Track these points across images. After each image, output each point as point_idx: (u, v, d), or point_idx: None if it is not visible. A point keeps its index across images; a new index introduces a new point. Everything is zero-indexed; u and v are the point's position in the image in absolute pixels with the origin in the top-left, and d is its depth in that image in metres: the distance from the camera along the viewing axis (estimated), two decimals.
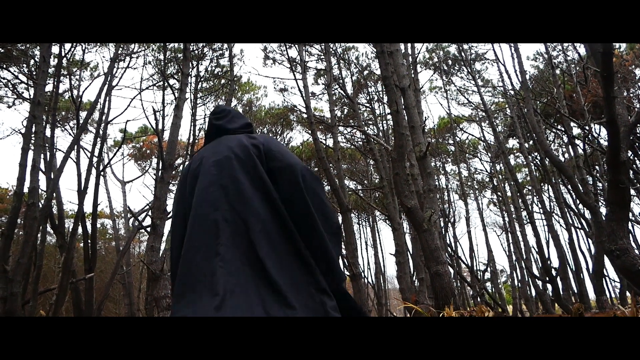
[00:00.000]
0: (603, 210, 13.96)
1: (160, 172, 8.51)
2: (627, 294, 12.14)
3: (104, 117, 13.73)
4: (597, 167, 15.83)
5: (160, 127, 13.78)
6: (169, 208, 13.27)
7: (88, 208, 15.17)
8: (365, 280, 22.86)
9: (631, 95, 14.59)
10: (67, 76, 13.48)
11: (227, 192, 1.78)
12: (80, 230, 11.87)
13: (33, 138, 8.00)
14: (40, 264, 9.52)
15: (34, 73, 12.23)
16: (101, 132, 13.67)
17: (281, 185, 1.83)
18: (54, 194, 10.62)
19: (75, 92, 14.31)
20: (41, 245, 9.43)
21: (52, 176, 11.07)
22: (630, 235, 12.79)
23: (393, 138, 11.52)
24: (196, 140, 15.63)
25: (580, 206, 15.90)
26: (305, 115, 13.87)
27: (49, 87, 11.51)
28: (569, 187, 13.46)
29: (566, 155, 18.30)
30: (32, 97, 9.69)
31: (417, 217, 6.69)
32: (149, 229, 10.53)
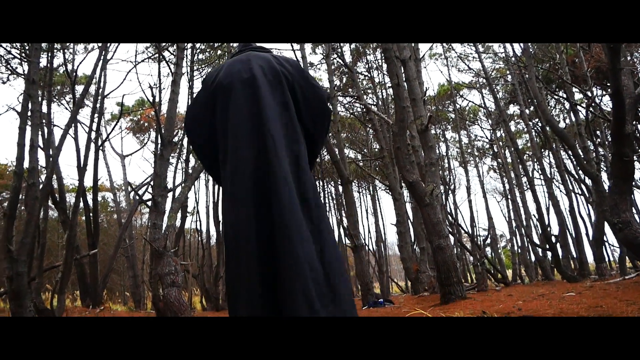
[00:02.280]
0: (604, 176, 13.97)
1: (159, 149, 8.45)
2: (627, 259, 12.23)
3: (100, 91, 13.60)
4: (598, 133, 15.77)
5: (157, 99, 13.62)
6: (170, 185, 13.25)
7: (88, 183, 15.17)
8: (367, 248, 23.07)
9: (635, 60, 14.38)
10: (61, 50, 13.26)
11: (258, 124, 1.83)
12: (82, 205, 11.90)
13: (30, 117, 7.92)
14: (44, 241, 9.55)
15: (27, 48, 12.01)
16: (98, 106, 13.56)
17: (306, 111, 1.98)
18: (54, 168, 10.59)
19: (69, 66, 14.11)
20: (44, 223, 9.45)
21: (51, 152, 11.01)
22: (634, 208, 12.79)
23: (393, 108, 11.39)
24: None
25: (581, 172, 15.89)
26: None
27: (43, 62, 11.34)
28: (570, 154, 13.40)
29: (567, 120, 18.20)
30: (26, 73, 9.53)
31: (419, 191, 6.67)
32: (149, 203, 10.55)
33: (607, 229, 10.78)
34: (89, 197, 13.60)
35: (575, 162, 12.87)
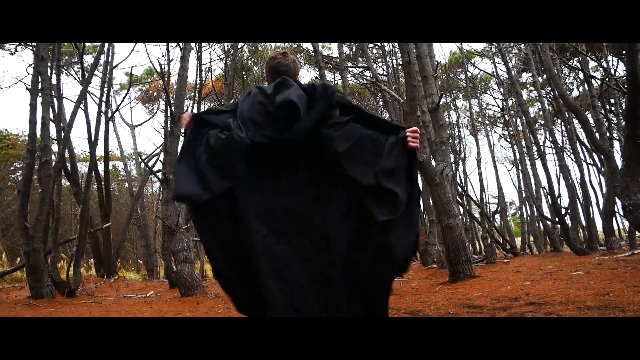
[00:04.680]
0: (617, 145, 13.81)
1: (169, 125, 8.47)
2: (637, 232, 12.21)
3: (109, 62, 13.57)
4: (612, 100, 15.50)
5: (165, 69, 13.54)
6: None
7: (99, 153, 15.24)
8: None
9: None
10: None
11: None
12: (94, 177, 12.02)
13: (40, 95, 7.95)
14: (58, 215, 9.73)
15: None
16: (107, 77, 13.55)
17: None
18: (66, 145, 10.66)
19: None
20: (57, 198, 9.59)
21: (62, 125, 11.07)
22: None
23: (403, 77, 11.23)
24: (203, 83, 15.43)
25: None
26: (313, 54, 13.59)
27: None
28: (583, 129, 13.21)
29: (580, 89, 17.90)
30: (34, 46, 9.48)
31: (429, 170, 6.67)
32: (159, 175, 10.65)
33: (619, 201, 10.74)
34: (101, 167, 13.75)
35: (587, 138, 12.71)
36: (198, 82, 14.50)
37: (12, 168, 21.87)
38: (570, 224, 11.99)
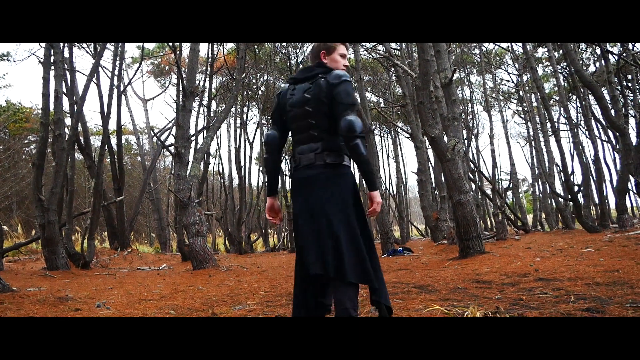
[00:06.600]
0: (632, 122, 13.59)
1: (181, 100, 8.47)
2: None
3: None
4: (629, 76, 15.21)
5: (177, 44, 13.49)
6: (192, 131, 13.30)
7: (112, 127, 15.35)
8: (387, 192, 23.21)
9: None
10: None
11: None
12: (107, 152, 12.11)
13: (53, 68, 7.99)
14: (72, 188, 9.86)
15: None
16: (119, 50, 13.56)
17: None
18: (79, 118, 10.72)
19: None
20: (71, 172, 9.71)
21: (75, 98, 11.13)
22: None
23: (416, 52, 11.10)
24: (215, 57, 15.36)
25: None
26: None
27: None
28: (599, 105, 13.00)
29: (597, 64, 17.55)
30: None
31: (441, 146, 6.64)
32: (171, 149, 10.70)
33: (633, 178, 10.61)
34: (113, 141, 13.86)
35: (602, 114, 12.53)
36: (210, 55, 14.44)
37: (26, 141, 22.11)
38: (582, 201, 11.88)
